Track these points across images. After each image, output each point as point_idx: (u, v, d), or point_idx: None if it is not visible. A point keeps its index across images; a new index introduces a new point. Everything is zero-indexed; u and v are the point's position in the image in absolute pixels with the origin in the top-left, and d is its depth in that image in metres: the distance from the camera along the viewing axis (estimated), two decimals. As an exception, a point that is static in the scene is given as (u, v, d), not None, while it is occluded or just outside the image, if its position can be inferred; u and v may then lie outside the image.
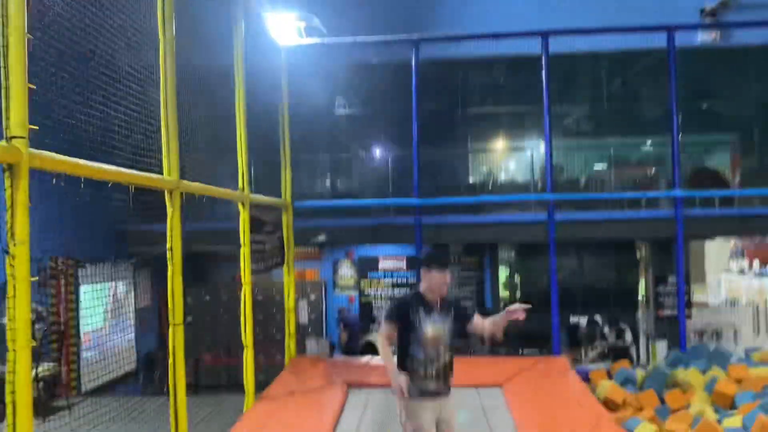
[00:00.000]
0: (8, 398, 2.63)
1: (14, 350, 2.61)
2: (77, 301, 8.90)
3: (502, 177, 13.75)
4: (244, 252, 6.01)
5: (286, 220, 7.81)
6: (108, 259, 10.00)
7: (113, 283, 10.16)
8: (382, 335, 3.83)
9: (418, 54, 8.97)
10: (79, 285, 9.04)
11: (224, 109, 6.15)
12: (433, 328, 3.77)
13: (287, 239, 7.76)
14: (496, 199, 10.80)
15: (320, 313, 12.00)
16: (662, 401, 6.62)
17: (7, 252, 2.55)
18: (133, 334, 10.75)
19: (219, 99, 6.51)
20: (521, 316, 3.86)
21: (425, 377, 3.73)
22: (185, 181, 4.43)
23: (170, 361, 4.31)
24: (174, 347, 4.30)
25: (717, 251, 17.80)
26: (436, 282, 3.81)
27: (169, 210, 4.27)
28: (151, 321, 11.64)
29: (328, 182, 12.83)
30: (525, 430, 5.47)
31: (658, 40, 9.20)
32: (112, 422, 5.92)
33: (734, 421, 5.62)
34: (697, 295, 15.54)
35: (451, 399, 3.89)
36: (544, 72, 8.57)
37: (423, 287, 3.90)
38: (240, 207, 6.00)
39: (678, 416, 6.03)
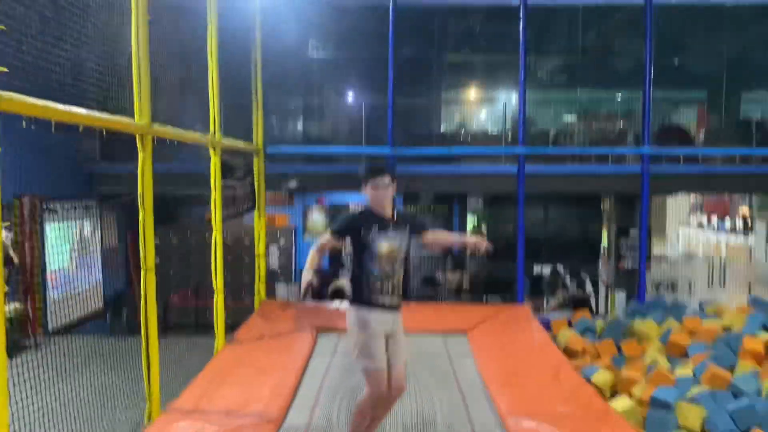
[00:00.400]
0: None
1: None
2: (42, 239, 8.77)
3: (474, 127, 13.81)
4: (215, 197, 5.97)
5: (258, 165, 7.74)
6: (75, 199, 9.84)
7: (79, 223, 10.02)
8: (317, 243, 3.74)
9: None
10: (45, 223, 8.90)
11: (195, 47, 5.99)
12: (387, 243, 3.70)
13: (258, 184, 7.70)
14: (470, 151, 10.85)
15: (290, 257, 12.09)
16: (619, 350, 6.91)
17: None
18: (100, 274, 10.68)
19: (189, 36, 6.33)
20: (481, 249, 3.90)
21: (381, 292, 3.69)
22: (156, 125, 4.34)
23: (142, 305, 4.31)
24: (146, 292, 4.30)
25: (677, 205, 18.31)
26: (377, 193, 3.69)
27: (140, 155, 4.20)
28: (118, 261, 11.56)
29: (300, 126, 12.71)
30: (489, 376, 5.65)
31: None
32: (82, 363, 5.95)
33: (686, 370, 5.92)
34: (656, 248, 16.05)
35: (401, 314, 3.85)
36: (521, 22, 8.47)
37: (369, 203, 3.77)
38: (211, 151, 5.92)
39: (633, 365, 6.32)
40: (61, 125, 3.09)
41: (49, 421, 4.76)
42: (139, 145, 4.17)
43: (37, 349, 6.61)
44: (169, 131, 4.64)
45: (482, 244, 3.91)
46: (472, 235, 3.93)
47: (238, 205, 6.90)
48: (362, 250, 3.69)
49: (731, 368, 5.83)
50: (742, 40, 12.49)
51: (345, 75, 12.37)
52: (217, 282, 6.03)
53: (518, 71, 8.41)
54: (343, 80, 12.45)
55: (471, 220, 13.24)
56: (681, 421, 5.02)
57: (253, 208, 7.57)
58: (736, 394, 5.29)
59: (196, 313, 11.37)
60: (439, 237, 4.09)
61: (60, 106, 3.11)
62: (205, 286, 11.09)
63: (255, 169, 7.67)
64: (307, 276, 3.65)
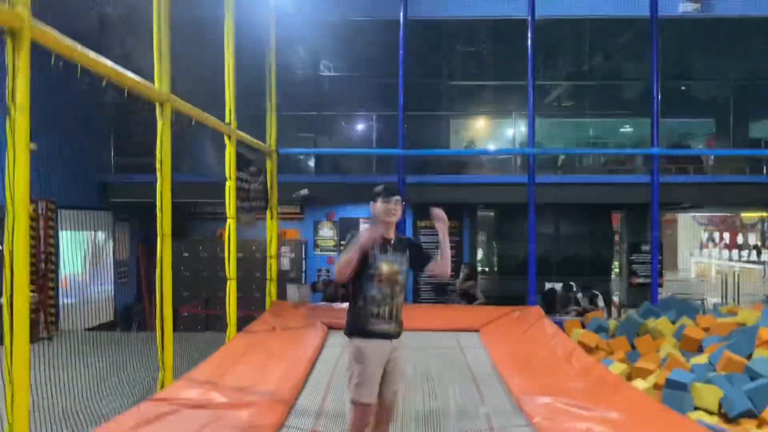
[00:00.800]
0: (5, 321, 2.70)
1: (12, 226, 2.65)
2: (57, 245, 8.87)
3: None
4: (230, 186, 6.05)
5: (270, 166, 7.85)
6: (88, 208, 9.98)
7: (92, 232, 10.14)
8: (349, 252, 3.42)
9: (406, 10, 9.00)
10: (59, 230, 9.01)
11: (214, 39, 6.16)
12: (388, 265, 3.54)
13: (271, 185, 7.80)
14: (479, 152, 10.94)
15: (300, 271, 12.11)
16: (633, 347, 6.84)
17: (8, 114, 2.58)
18: (111, 286, 10.75)
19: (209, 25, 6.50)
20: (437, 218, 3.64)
21: (378, 316, 3.47)
22: (176, 97, 4.46)
23: (157, 272, 4.35)
24: (162, 259, 4.34)
25: (688, 240, 18.24)
26: (380, 214, 3.55)
27: (159, 123, 4.30)
28: (130, 274, 11.63)
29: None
30: (501, 363, 5.63)
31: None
32: (94, 352, 5.97)
33: (701, 359, 5.85)
34: (668, 277, 15.96)
35: (401, 342, 3.61)
36: (529, 42, 8.62)
37: (375, 223, 3.59)
38: (226, 140, 6.04)
39: (647, 357, 6.25)
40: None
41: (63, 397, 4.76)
42: (158, 113, 4.28)
43: (50, 341, 6.62)
44: (188, 107, 4.76)
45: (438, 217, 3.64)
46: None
47: (252, 200, 6.97)
48: (363, 270, 3.50)
49: (748, 357, 5.75)
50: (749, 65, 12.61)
51: (355, 92, 12.57)
52: (231, 270, 6.06)
53: (526, 96, 8.54)
54: (354, 98, 12.64)
55: (481, 237, 13.25)
56: (697, 401, 4.95)
57: (266, 207, 7.65)
58: (753, 377, 5.22)
59: (207, 319, 11.38)
60: (438, 264, 3.70)
61: (89, 53, 3.22)
62: (215, 300, 11.20)
63: (268, 169, 7.78)
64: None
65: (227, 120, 6.05)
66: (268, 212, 7.74)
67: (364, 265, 3.48)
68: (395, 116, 9.01)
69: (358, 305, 3.48)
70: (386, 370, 3.49)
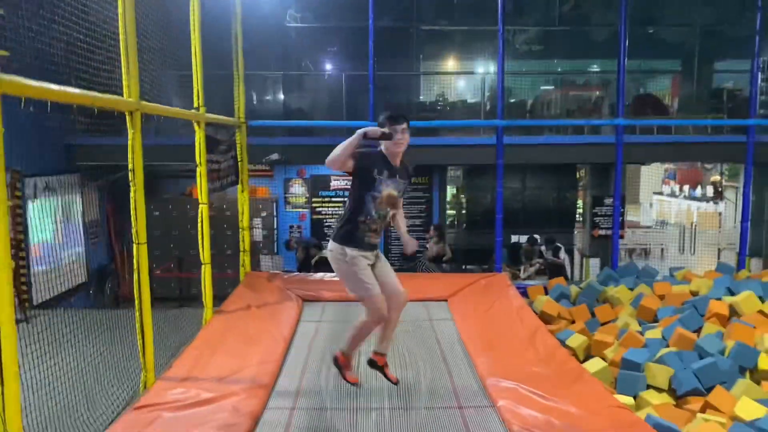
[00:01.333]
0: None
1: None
2: (24, 214, 8.79)
3: (453, 97, 13.92)
4: (201, 171, 6.06)
5: (240, 138, 7.82)
6: (55, 173, 9.83)
7: (60, 197, 10.02)
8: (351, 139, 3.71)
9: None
10: (26, 198, 8.91)
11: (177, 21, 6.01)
12: (389, 191, 3.87)
13: (241, 158, 7.79)
14: (448, 123, 11.00)
15: (272, 230, 12.22)
16: (593, 315, 7.22)
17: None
18: (82, 248, 10.73)
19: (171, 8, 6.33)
20: (409, 250, 4.13)
21: (370, 231, 3.90)
22: (144, 102, 4.42)
23: (135, 278, 4.44)
24: (139, 265, 4.43)
25: (651, 174, 18.71)
26: (388, 143, 3.80)
27: (130, 132, 4.28)
28: (100, 235, 11.60)
29: (280, 97, 12.70)
30: (468, 338, 5.90)
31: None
32: (72, 335, 6.07)
33: (655, 333, 6.23)
34: (630, 216, 16.46)
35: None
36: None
37: (383, 147, 3.87)
38: (195, 126, 6.00)
39: (605, 328, 6.62)
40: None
41: (50, 390, 4.89)
42: (129, 122, 4.26)
43: (27, 322, 6.70)
44: (158, 107, 4.72)
45: (413, 246, 4.13)
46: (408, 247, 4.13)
47: (223, 178, 6.98)
48: (367, 190, 3.84)
49: (698, 330, 6.15)
50: (715, 9, 12.69)
51: (324, 44, 12.37)
52: (205, 255, 6.15)
53: (496, 41, 8.52)
54: (322, 50, 12.45)
55: (450, 192, 13.46)
56: (650, 380, 5.33)
57: (236, 182, 7.66)
58: (701, 354, 5.61)
59: (180, 284, 11.49)
60: (399, 217, 4.22)
61: (55, 87, 3.20)
62: (188, 258, 11.29)
63: (237, 142, 7.74)
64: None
65: (195, 104, 5.99)
66: (239, 186, 7.76)
67: (370, 186, 3.82)
68: (365, 69, 8.90)
69: (358, 220, 3.87)
70: (375, 267, 4.02)
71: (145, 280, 4.50)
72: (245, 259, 7.89)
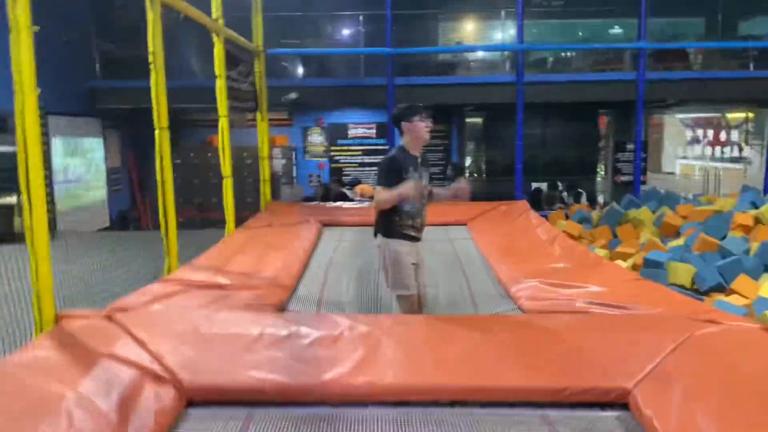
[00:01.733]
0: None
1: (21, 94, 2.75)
2: (49, 151, 8.92)
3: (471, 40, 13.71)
4: (220, 85, 6.08)
5: (259, 67, 7.82)
6: (78, 115, 9.96)
7: (84, 139, 10.16)
8: (382, 199, 3.80)
9: None
10: (50, 136, 9.04)
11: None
12: (416, 182, 3.84)
13: (260, 86, 7.80)
14: (467, 48, 10.87)
15: (291, 178, 12.27)
16: (615, 236, 7.16)
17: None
18: (105, 192, 10.88)
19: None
20: (464, 196, 4.06)
21: (412, 226, 3.93)
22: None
23: (157, 163, 4.49)
24: (161, 152, 4.47)
25: (674, 141, 18.43)
26: (421, 131, 3.87)
27: (150, 15, 4.30)
28: (122, 181, 11.74)
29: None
30: (488, 252, 5.89)
31: None
32: (97, 250, 6.18)
33: (678, 241, 6.16)
34: (653, 183, 16.26)
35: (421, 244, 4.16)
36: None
37: (406, 141, 3.93)
38: (214, 37, 6.01)
39: (627, 243, 6.56)
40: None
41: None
42: (148, 4, 4.28)
43: (53, 239, 6.81)
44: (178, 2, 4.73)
45: (464, 192, 4.05)
46: (457, 186, 4.11)
47: (242, 101, 7.00)
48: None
49: (722, 239, 6.07)
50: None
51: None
52: (226, 168, 6.18)
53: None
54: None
55: (469, 138, 13.37)
56: (671, 278, 5.28)
57: (255, 107, 7.69)
58: (725, 255, 5.54)
59: (201, 223, 11.62)
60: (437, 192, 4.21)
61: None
62: (209, 205, 11.39)
63: (256, 70, 7.75)
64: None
65: (214, 16, 6.00)
66: (258, 114, 7.78)
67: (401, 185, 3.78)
68: (383, 20, 8.86)
69: (394, 219, 3.88)
70: (417, 270, 4.02)
71: (168, 165, 4.54)
72: (265, 189, 7.92)
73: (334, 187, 9.50)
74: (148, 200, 11.75)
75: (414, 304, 4.03)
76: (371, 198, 9.38)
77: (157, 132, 4.48)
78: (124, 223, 11.29)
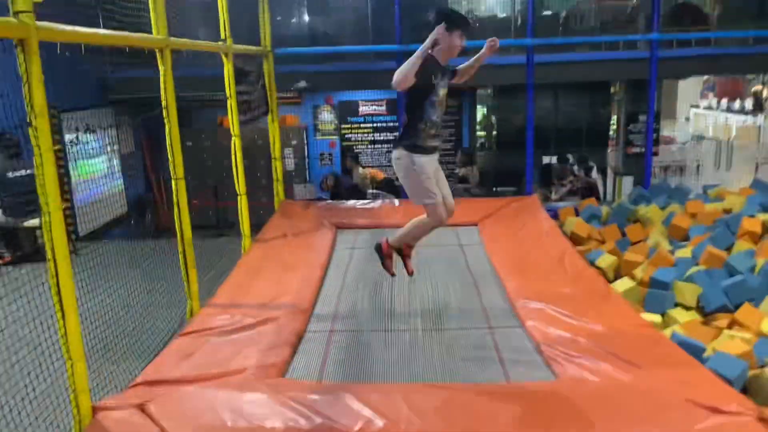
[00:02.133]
0: (48, 252, 2.97)
1: (48, 213, 2.90)
2: (64, 150, 9.06)
3: (483, 11, 13.45)
4: (231, 104, 6.13)
5: (267, 68, 7.81)
6: (91, 107, 10.03)
7: (98, 131, 10.26)
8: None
9: None
10: (64, 134, 9.15)
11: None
12: (444, 90, 4.13)
13: (269, 87, 7.81)
14: (478, 43, 10.70)
15: (303, 158, 12.33)
16: (624, 235, 7.26)
17: (30, 125, 2.73)
18: (120, 179, 11.05)
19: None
20: (495, 46, 4.29)
21: (433, 137, 4.18)
22: (173, 38, 4.47)
23: (174, 213, 4.63)
24: (178, 199, 4.61)
25: (689, 88, 18.12)
26: (454, 49, 4.03)
27: (161, 68, 4.36)
28: (137, 167, 11.90)
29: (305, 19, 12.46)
30: (497, 262, 6.05)
31: None
32: (119, 264, 6.39)
33: (685, 252, 6.26)
34: (666, 131, 16.09)
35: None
36: None
37: (438, 49, 4.00)
38: (223, 58, 6.02)
39: (635, 248, 6.67)
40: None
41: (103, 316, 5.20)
42: (159, 59, 4.33)
43: (76, 254, 7.05)
44: (186, 42, 4.77)
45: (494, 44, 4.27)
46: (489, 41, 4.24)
47: (254, 110, 7.05)
48: (426, 96, 4.02)
49: (729, 248, 6.16)
50: None
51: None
52: (240, 186, 6.32)
53: None
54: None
55: (480, 112, 13.30)
56: (678, 298, 5.42)
57: (267, 111, 7.73)
58: (731, 272, 5.66)
59: (217, 213, 11.80)
60: (465, 68, 4.47)
61: (87, 30, 3.27)
62: (223, 186, 11.53)
63: (265, 71, 7.75)
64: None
65: (222, 36, 6.00)
66: (269, 116, 7.82)
67: (429, 92, 4.02)
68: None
69: (419, 127, 4.09)
70: (437, 178, 4.35)
71: (185, 215, 4.69)
72: (279, 188, 8.05)
73: (350, 164, 9.57)
74: (163, 180, 11.90)
75: (441, 210, 4.30)
76: (378, 184, 9.47)
77: (174, 182, 4.60)
78: (140, 209, 11.52)
